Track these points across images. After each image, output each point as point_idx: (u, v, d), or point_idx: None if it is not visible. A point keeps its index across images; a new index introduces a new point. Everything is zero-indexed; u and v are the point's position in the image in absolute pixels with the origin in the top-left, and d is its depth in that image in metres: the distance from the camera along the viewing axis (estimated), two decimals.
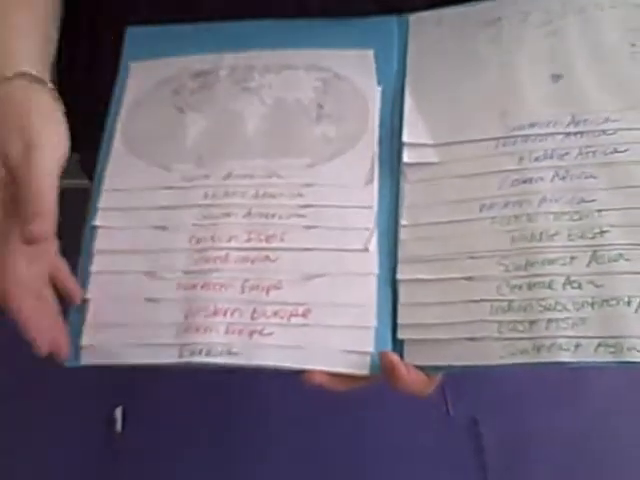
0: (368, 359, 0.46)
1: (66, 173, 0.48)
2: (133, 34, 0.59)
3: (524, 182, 0.47)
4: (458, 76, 0.52)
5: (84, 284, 0.50)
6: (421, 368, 0.45)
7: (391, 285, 0.48)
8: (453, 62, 0.53)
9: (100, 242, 0.50)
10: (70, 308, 0.49)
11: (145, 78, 0.57)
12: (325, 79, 0.54)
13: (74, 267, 0.50)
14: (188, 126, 0.54)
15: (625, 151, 0.46)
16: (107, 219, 0.51)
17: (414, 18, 0.56)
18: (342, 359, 0.46)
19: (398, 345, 0.46)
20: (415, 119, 0.51)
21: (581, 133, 0.47)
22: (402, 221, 0.49)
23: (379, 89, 0.54)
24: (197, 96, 0.55)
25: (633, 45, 0.49)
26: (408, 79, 0.53)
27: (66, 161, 0.47)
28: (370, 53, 0.55)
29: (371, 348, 0.46)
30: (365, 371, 0.46)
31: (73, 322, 0.49)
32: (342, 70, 0.55)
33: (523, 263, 0.45)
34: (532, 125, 0.49)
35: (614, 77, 0.49)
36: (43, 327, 0.45)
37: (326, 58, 0.55)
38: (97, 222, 0.51)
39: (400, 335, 0.46)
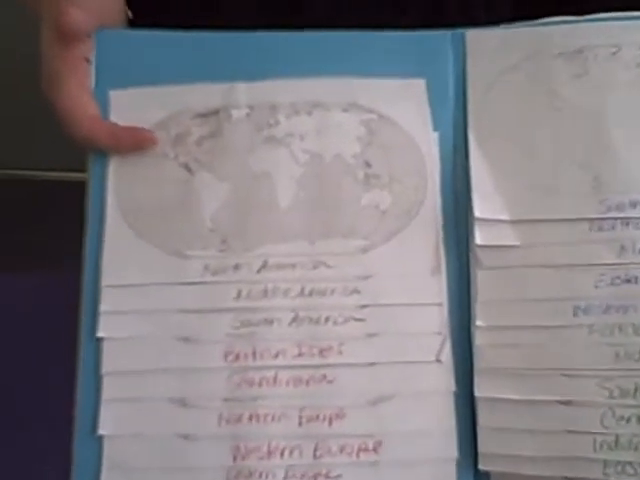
0: None
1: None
2: (105, 41, 0.45)
3: (627, 281, 0.40)
4: (534, 123, 0.43)
5: (95, 416, 0.40)
6: None
7: (469, 401, 0.41)
8: (527, 102, 0.43)
9: (109, 361, 0.41)
10: (78, 443, 0.41)
11: (131, 115, 0.44)
12: (369, 124, 0.44)
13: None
14: (200, 192, 0.43)
15: None
16: (113, 328, 0.41)
17: (472, 36, 0.45)
18: None
19: (483, 477, 0.40)
20: (486, 186, 0.42)
21: None
22: (477, 321, 0.41)
23: (436, 136, 0.44)
24: (206, 147, 0.43)
25: None
26: (471, 126, 0.43)
27: None
28: (421, 83, 0.45)
29: None
30: None
31: (87, 461, 0.40)
32: (388, 109, 0.44)
33: (631, 388, 0.39)
34: (634, 204, 0.40)
35: None
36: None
37: (366, 91, 0.44)
38: (101, 333, 0.41)
39: (481, 466, 0.40)
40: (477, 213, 0.42)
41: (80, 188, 0.45)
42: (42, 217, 1.29)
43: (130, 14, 0.47)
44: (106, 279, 0.42)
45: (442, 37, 0.45)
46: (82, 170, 0.45)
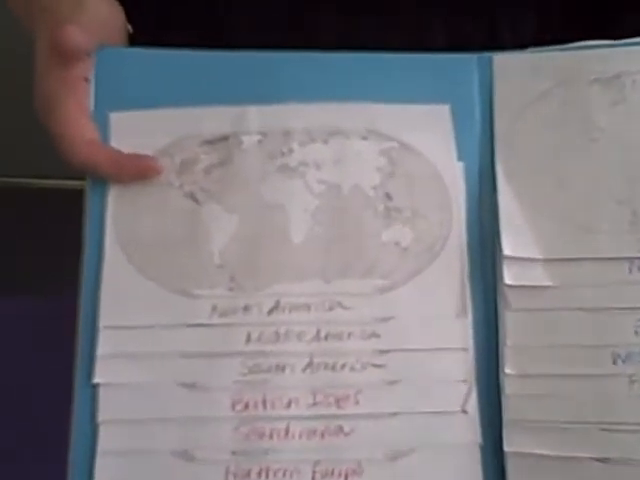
0: None
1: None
2: (106, 60, 0.42)
3: None
4: (568, 153, 0.40)
5: (90, 469, 0.37)
6: None
7: (497, 456, 0.38)
8: (559, 131, 0.40)
9: (106, 409, 0.37)
10: None
11: (133, 140, 0.41)
12: (389, 153, 0.41)
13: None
14: (208, 225, 0.40)
15: None
16: (111, 373, 0.38)
17: (500, 60, 0.42)
18: None
19: None
20: (516, 222, 0.39)
21: None
22: (506, 368, 0.38)
23: (461, 166, 0.41)
24: (215, 176, 0.40)
25: None
26: (499, 156, 0.40)
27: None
28: (445, 109, 0.42)
29: None
30: None
31: None
32: (410, 137, 0.41)
33: None
34: None
35: None
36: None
37: (387, 118, 0.41)
38: (98, 378, 0.38)
39: None
40: (506, 251, 0.39)
41: (78, 197, 0.42)
42: (34, 230, 1.25)
43: (130, 28, 0.44)
44: (104, 319, 0.38)
45: (468, 60, 0.42)
46: (81, 178, 0.42)
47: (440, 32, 0.46)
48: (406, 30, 0.46)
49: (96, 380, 0.38)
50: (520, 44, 0.44)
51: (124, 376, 0.38)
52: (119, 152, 0.40)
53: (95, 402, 0.38)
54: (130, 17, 0.44)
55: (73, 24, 0.39)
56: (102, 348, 0.38)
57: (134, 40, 0.45)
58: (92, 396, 0.38)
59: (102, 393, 0.38)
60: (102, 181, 0.40)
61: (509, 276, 0.39)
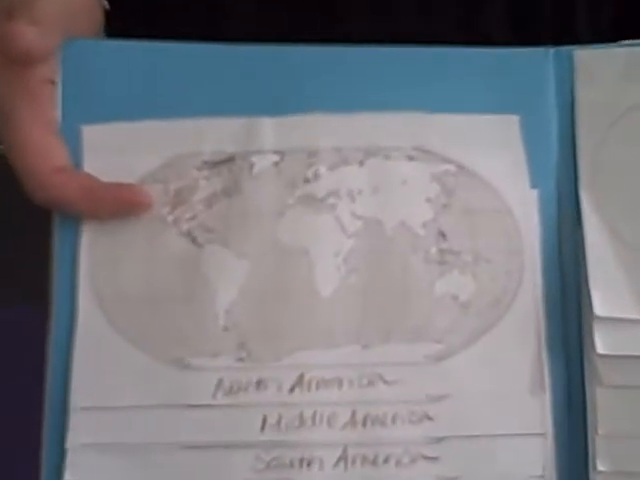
0: None
1: None
2: (76, 56, 0.33)
3: None
4: None
5: None
6: None
7: None
8: None
9: None
10: None
11: (112, 162, 0.32)
12: (443, 178, 0.32)
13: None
14: (211, 275, 0.31)
15: None
16: (86, 469, 0.29)
17: (585, 56, 0.33)
18: None
19: None
20: (608, 270, 0.30)
21: None
22: (597, 463, 0.30)
23: (534, 195, 0.32)
24: (218, 209, 0.31)
25: None
26: (584, 182, 0.31)
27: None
28: (514, 120, 0.33)
29: None
30: None
31: None
32: (469, 157, 0.32)
33: None
34: None
35: None
36: None
37: (439, 132, 0.32)
38: (70, 476, 0.29)
39: None
40: (597, 310, 0.30)
41: None
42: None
43: (106, 4, 0.35)
44: (77, 399, 0.30)
45: (542, 57, 0.33)
46: None
47: (498, 18, 0.37)
48: (455, 14, 0.37)
49: (67, 479, 0.30)
50: (597, 32, 0.35)
51: (104, 474, 0.30)
52: (95, 180, 0.31)
53: None
54: None
55: (31, 22, 0.30)
56: (75, 437, 0.30)
57: (110, 22, 0.36)
58: None
59: None
60: (74, 217, 0.31)
61: (601, 343, 0.30)
